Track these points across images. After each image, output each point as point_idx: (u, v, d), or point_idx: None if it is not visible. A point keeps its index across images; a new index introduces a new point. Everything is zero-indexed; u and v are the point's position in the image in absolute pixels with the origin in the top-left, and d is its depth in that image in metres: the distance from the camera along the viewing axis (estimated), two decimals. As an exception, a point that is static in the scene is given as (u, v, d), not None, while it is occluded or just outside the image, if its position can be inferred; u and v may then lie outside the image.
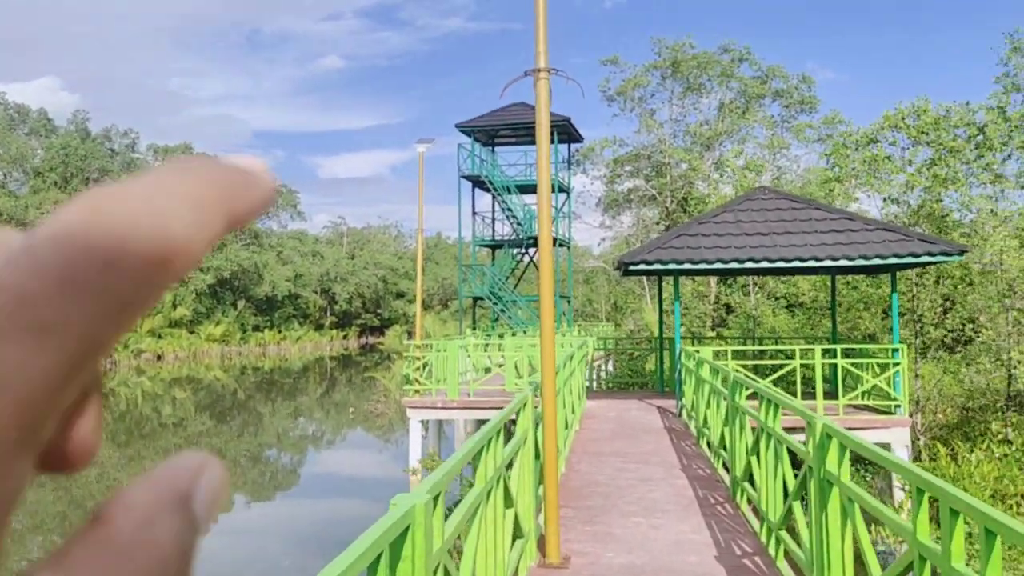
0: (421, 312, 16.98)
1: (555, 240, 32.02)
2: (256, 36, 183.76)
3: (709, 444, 9.43)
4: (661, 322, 17.15)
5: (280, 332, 75.99)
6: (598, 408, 14.26)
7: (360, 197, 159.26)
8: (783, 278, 25.14)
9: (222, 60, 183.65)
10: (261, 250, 76.90)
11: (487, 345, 20.19)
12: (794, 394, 12.45)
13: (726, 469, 8.30)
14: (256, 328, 73.56)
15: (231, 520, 14.14)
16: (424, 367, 15.83)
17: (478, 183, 31.81)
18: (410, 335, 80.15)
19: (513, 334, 25.93)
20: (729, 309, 32.74)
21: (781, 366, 14.32)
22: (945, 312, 19.52)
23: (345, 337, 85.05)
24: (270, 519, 15.22)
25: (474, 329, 30.98)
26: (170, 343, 60.87)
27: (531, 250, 33.52)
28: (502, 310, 30.13)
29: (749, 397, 7.16)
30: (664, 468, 8.60)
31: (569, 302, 34.14)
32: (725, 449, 8.02)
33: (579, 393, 12.75)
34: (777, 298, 29.18)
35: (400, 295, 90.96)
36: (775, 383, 13.24)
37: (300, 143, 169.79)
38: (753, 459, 6.33)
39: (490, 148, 33.70)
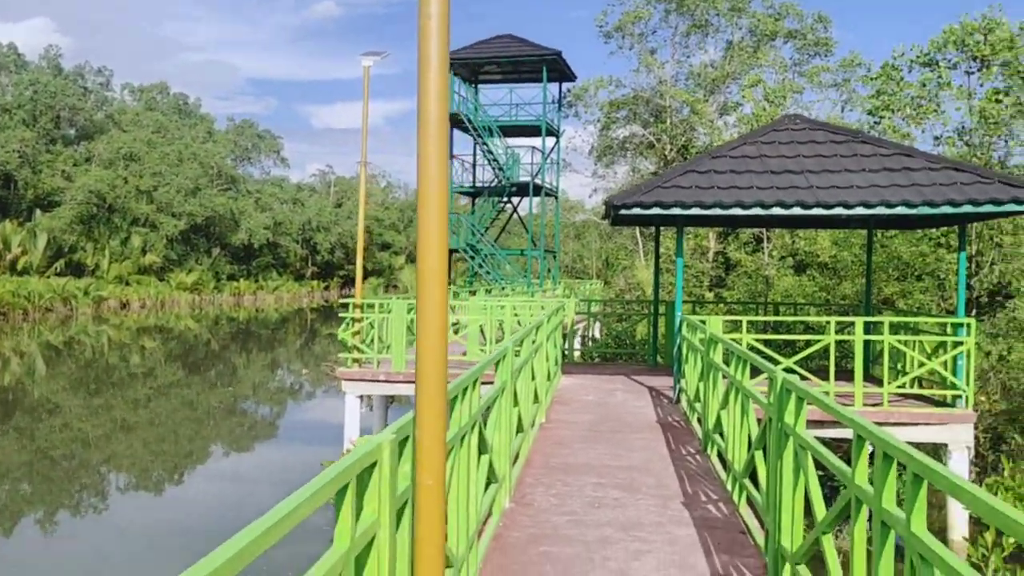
0: (362, 261, 13.99)
1: (541, 188, 28.87)
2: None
3: (724, 461, 6.60)
4: (657, 281, 14.18)
5: (257, 282, 73.03)
6: (575, 387, 11.42)
7: (354, 147, 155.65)
8: (800, 232, 22.08)
9: (216, 5, 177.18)
10: (238, 196, 73.44)
11: (452, 305, 17.25)
12: (826, 378, 9.66)
13: (753, 509, 5.48)
14: (231, 277, 70.54)
15: (213, 467, 15.44)
16: (369, 332, 12.95)
17: (457, 123, 28.61)
18: (388, 288, 77.57)
19: (488, 291, 23.06)
20: (729, 267, 29.84)
21: (805, 342, 11.54)
22: (969, 276, 16.80)
23: (327, 288, 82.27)
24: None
25: (449, 285, 28.09)
26: (136, 291, 57.68)
27: (516, 199, 30.43)
28: (480, 264, 27.19)
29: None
30: (659, 502, 5.78)
31: (555, 257, 31.20)
32: (756, 485, 5.17)
33: (549, 372, 9.89)
34: (783, 257, 26.24)
35: (386, 246, 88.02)
36: (802, 364, 10.43)
37: (294, 91, 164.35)
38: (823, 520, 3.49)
39: (473, 86, 30.37)
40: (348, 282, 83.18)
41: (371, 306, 13.07)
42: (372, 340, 12.67)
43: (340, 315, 13.06)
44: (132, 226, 62.54)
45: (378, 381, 12.31)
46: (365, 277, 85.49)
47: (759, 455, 5.05)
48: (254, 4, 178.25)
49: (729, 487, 6.05)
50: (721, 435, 6.77)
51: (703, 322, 8.85)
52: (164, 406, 22.14)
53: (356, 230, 73.42)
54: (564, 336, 14.30)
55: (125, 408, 21.40)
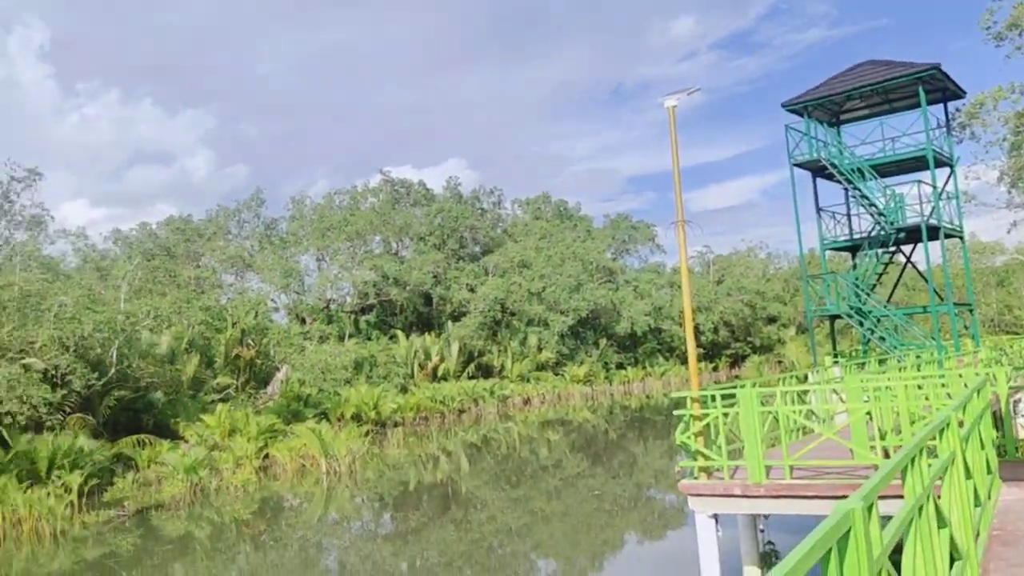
0: (692, 340, 11.70)
1: (939, 230, 23.69)
2: (620, 89, 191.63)
3: None
4: None
5: (644, 368, 73.31)
6: None
7: (731, 225, 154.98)
8: None
9: (594, 119, 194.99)
10: (617, 287, 75.54)
11: (833, 385, 13.90)
12: None
13: None
14: (619, 366, 71.87)
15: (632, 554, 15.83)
16: (715, 432, 10.57)
17: (820, 171, 25.02)
18: (774, 366, 71.90)
19: (881, 361, 18.83)
20: None
21: None
22: None
23: (715, 368, 79.38)
24: None
25: (835, 358, 23.99)
26: (535, 387, 61.47)
27: (907, 247, 25.45)
28: (870, 330, 22.78)
29: None
30: None
31: (972, 311, 25.15)
32: None
33: (975, 494, 6.55)
34: None
35: (772, 320, 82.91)
36: None
37: (668, 182, 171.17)
38: None
39: (835, 128, 26.65)
40: (737, 360, 79.65)
41: (714, 398, 10.71)
42: (719, 442, 10.26)
43: (675, 412, 10.91)
44: (528, 326, 67.39)
45: (732, 496, 9.81)
46: (747, 355, 79.78)
47: None
48: (626, 111, 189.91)
49: None
50: None
51: None
52: (574, 496, 22.58)
53: (736, 306, 69.39)
54: (997, 421, 10.31)
55: (540, 499, 22.21)
